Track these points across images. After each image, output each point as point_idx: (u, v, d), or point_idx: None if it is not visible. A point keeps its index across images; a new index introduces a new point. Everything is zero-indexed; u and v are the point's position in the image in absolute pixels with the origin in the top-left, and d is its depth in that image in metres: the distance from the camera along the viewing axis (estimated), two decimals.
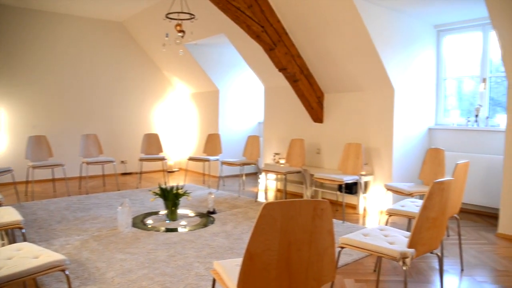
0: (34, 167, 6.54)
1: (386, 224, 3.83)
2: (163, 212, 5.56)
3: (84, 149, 7.46)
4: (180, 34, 5.58)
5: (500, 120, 5.84)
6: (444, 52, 6.46)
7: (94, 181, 8.19)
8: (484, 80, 5.97)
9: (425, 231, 2.68)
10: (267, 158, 7.87)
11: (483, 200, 5.74)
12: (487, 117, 5.93)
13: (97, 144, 7.62)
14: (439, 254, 3.05)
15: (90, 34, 8.73)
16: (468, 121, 6.09)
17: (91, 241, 4.43)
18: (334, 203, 6.36)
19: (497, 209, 5.17)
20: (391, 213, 3.90)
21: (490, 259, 4.08)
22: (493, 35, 5.65)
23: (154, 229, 4.91)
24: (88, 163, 7.11)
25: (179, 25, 5.58)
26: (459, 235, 4.03)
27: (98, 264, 3.76)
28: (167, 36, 5.70)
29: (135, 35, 9.27)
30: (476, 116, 5.98)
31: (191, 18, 5.66)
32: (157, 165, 9.43)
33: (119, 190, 7.35)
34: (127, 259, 3.89)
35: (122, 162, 9.20)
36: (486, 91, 5.98)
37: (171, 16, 5.60)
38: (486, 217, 5.68)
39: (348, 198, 6.33)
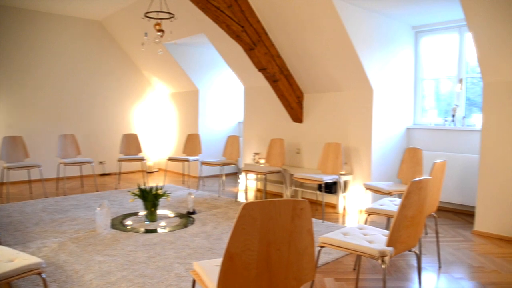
0: (10, 168, 6.41)
1: (365, 223, 3.86)
2: (143, 213, 5.51)
3: (61, 150, 7.35)
4: (159, 33, 5.54)
5: (476, 120, 5.94)
6: (422, 53, 6.55)
7: (72, 182, 8.07)
8: (460, 81, 6.07)
9: (404, 230, 2.71)
10: (247, 158, 7.87)
11: (459, 198, 5.83)
12: (464, 117, 6.03)
13: (75, 144, 7.51)
14: (417, 252, 3.09)
15: (68, 33, 8.61)
16: (445, 121, 6.18)
17: (68, 243, 4.36)
18: (314, 203, 6.39)
19: (473, 207, 5.26)
20: (370, 212, 3.93)
21: (467, 256, 4.15)
22: (469, 37, 5.75)
23: (133, 230, 4.86)
24: (65, 164, 7.01)
25: (158, 24, 5.54)
26: (437, 233, 4.09)
27: (76, 266, 3.71)
28: (146, 36, 5.66)
29: (114, 34, 9.18)
30: (453, 116, 6.07)
31: (171, 18, 5.63)
32: (136, 166, 9.35)
33: (97, 191, 7.26)
34: (106, 261, 3.84)
35: (101, 162, 9.09)
36: (463, 92, 6.08)
37: (150, 15, 5.56)
38: (463, 215, 5.78)
39: (328, 198, 6.36)
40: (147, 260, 3.88)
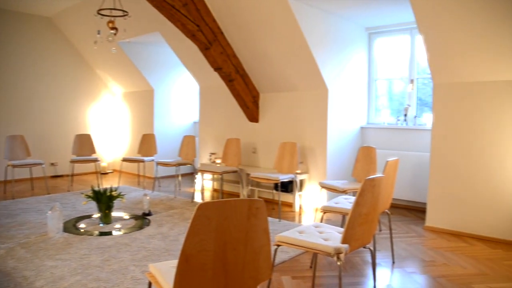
0: None
1: (321, 221, 3.90)
2: (97, 215, 5.37)
3: (9, 151, 7.06)
4: (112, 31, 5.41)
5: (427, 119, 6.13)
6: (375, 54, 6.70)
7: (21, 185, 7.78)
8: (412, 81, 6.25)
9: (358, 227, 2.75)
10: (203, 158, 7.82)
11: (412, 195, 6.01)
12: (415, 116, 6.22)
13: (24, 145, 7.24)
14: (372, 248, 3.15)
15: (15, 29, 8.28)
16: (398, 120, 6.35)
17: (18, 248, 4.19)
18: (270, 202, 6.42)
19: (425, 204, 5.42)
20: (325, 210, 3.98)
21: (419, 251, 4.28)
22: (419, 39, 5.92)
23: (87, 233, 4.73)
24: (14, 166, 6.74)
25: (112, 22, 5.41)
26: (390, 229, 4.19)
27: (25, 273, 3.57)
28: (98, 33, 5.51)
29: (65, 31, 8.90)
30: (405, 115, 6.25)
31: (124, 15, 5.51)
32: (89, 167, 9.11)
33: (49, 193, 7.02)
34: (58, 266, 3.71)
35: (52, 164, 8.81)
36: (414, 92, 6.26)
37: (103, 12, 5.42)
38: (415, 211, 5.95)
39: (284, 197, 6.41)
40: (101, 264, 3.78)
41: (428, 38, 4.70)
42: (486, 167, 4.73)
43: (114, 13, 5.50)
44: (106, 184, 7.83)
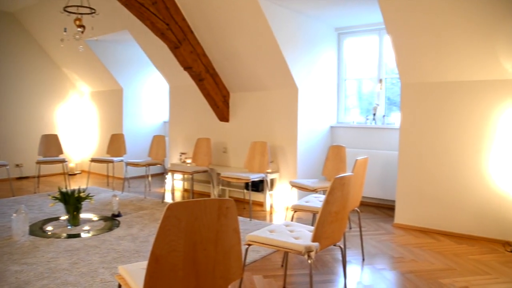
0: None
1: (291, 220, 3.92)
2: (64, 217, 5.25)
3: None
4: (79, 29, 5.30)
5: (395, 118, 6.23)
6: (345, 53, 6.77)
7: None
8: (380, 81, 6.34)
9: (328, 225, 2.77)
10: (173, 158, 7.75)
11: (381, 193, 6.10)
12: (384, 116, 6.31)
13: None
14: (342, 246, 3.18)
15: None
16: (367, 119, 6.43)
17: None
18: (241, 201, 6.41)
19: (394, 201, 5.51)
20: (296, 209, 4.00)
21: (388, 248, 4.34)
22: (387, 39, 6.02)
23: (55, 236, 4.62)
24: None
25: (79, 19, 5.30)
26: (360, 227, 4.24)
27: None
28: (65, 31, 5.39)
29: (30, 28, 8.67)
30: (374, 114, 6.33)
31: (92, 13, 5.40)
32: (57, 168, 8.90)
33: (14, 196, 6.83)
34: (24, 271, 3.61)
35: (17, 165, 8.57)
36: (383, 91, 6.35)
37: (69, 9, 5.30)
38: (384, 209, 6.04)
39: (255, 196, 6.41)
40: (69, 267, 3.70)
41: (395, 39, 4.78)
42: (452, 165, 4.84)
43: (81, 10, 5.39)
44: (74, 185, 7.66)
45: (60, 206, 5.36)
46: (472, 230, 4.70)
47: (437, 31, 4.46)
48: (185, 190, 7.52)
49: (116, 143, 7.82)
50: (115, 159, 7.46)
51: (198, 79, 6.30)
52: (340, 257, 4.04)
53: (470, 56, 4.48)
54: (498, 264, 3.88)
